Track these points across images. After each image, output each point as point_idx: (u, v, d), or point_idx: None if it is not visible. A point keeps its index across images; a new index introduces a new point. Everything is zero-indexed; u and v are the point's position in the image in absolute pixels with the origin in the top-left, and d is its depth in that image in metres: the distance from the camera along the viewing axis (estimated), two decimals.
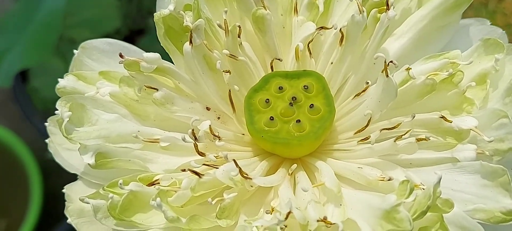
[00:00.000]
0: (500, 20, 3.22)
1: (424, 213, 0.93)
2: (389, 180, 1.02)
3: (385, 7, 1.13)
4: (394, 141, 1.05)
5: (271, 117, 1.12)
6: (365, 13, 1.12)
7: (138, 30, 3.34)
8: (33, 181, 3.03)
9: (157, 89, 1.14)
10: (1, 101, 3.77)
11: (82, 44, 1.25)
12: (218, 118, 1.20)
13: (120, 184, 1.03)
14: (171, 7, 1.13)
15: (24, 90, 3.28)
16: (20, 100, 3.23)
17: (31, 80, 3.29)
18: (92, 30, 3.57)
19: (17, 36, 3.29)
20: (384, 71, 1.05)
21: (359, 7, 1.11)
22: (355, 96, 1.17)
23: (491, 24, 1.24)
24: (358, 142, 1.11)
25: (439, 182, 0.94)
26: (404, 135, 1.05)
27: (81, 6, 3.76)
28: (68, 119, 1.07)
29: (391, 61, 1.06)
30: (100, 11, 3.84)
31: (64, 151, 1.17)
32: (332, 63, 1.19)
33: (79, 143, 1.07)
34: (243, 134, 1.19)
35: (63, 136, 1.07)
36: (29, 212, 2.97)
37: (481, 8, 3.30)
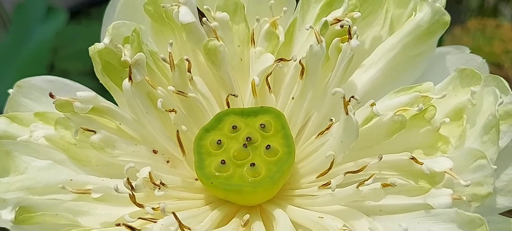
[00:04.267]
0: (498, 46, 3.12)
1: None
2: None
3: (347, 36, 1.01)
4: (357, 187, 0.93)
5: (222, 160, 1.00)
6: (323, 44, 1.00)
7: None
8: None
9: (95, 132, 1.02)
10: None
11: (18, 82, 1.14)
12: (167, 161, 1.08)
13: None
14: (107, 40, 1.02)
15: None
16: None
17: None
18: (85, 62, 3.49)
19: (4, 70, 3.23)
20: (344, 108, 0.93)
21: (316, 37, 1.00)
22: (318, 135, 1.05)
23: (470, 52, 1.13)
24: (319, 187, 0.99)
25: None
26: (367, 179, 0.92)
27: (72, 38, 3.72)
28: None
29: (352, 97, 0.94)
30: (91, 42, 3.78)
31: None
32: (293, 98, 1.07)
33: None
34: (196, 179, 1.07)
35: None
36: None
37: (478, 34, 3.20)
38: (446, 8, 1.08)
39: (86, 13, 4.31)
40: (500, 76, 2.51)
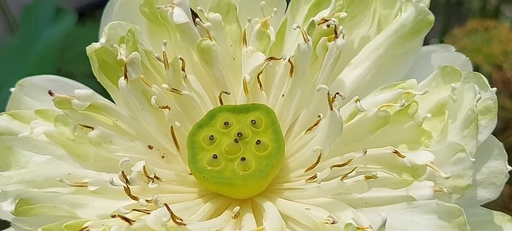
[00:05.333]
0: (496, 47, 3.15)
1: None
2: (333, 223, 0.93)
3: (334, 35, 1.05)
4: (341, 179, 0.96)
5: (214, 155, 1.04)
6: (310, 42, 1.04)
7: None
8: None
9: (92, 128, 1.07)
10: None
11: (20, 81, 1.18)
12: (162, 156, 1.12)
13: None
14: (103, 40, 1.06)
15: None
16: None
17: None
18: (90, 64, 3.53)
19: (13, 71, 3.26)
20: (329, 105, 0.97)
21: (303, 36, 1.04)
22: (307, 131, 1.08)
23: (455, 51, 1.17)
24: (306, 180, 1.03)
25: (383, 225, 0.85)
26: (351, 172, 0.96)
27: (78, 40, 3.75)
28: None
29: (337, 93, 0.98)
30: None
31: None
32: (283, 95, 1.11)
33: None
34: (190, 174, 1.11)
35: None
36: None
37: (477, 35, 3.22)
38: (447, 10, 1.11)
39: (91, 15, 4.35)
40: (500, 77, 2.53)
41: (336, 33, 1.05)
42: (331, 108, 0.96)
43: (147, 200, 0.97)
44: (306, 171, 1.05)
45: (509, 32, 3.22)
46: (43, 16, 3.34)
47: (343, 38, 1.05)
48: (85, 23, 4.13)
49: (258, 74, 1.12)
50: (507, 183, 1.00)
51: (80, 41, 3.76)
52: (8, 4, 3.66)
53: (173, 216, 0.93)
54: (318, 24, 1.07)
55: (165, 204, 0.94)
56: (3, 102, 3.18)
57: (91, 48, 1.07)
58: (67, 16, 3.35)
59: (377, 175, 0.97)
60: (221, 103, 1.14)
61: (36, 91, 1.19)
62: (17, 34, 3.50)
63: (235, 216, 1.02)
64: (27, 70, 3.09)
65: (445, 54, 1.17)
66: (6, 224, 1.10)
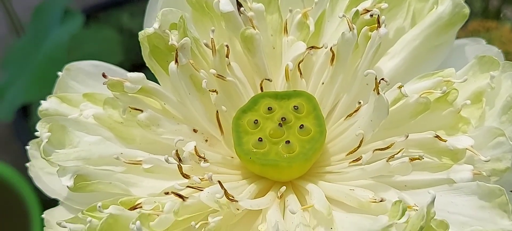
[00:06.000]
0: (497, 48, 3.18)
1: None
2: (381, 201, 0.97)
3: (376, 25, 1.09)
4: (387, 161, 1.01)
5: (259, 138, 1.08)
6: (355, 31, 1.09)
7: (140, 64, 3.32)
8: (34, 218, 2.97)
9: (142, 111, 1.11)
10: (2, 138, 3.75)
11: (67, 66, 1.22)
12: (206, 140, 1.16)
13: (99, 207, 0.98)
14: (156, 25, 1.10)
15: (26, 127, 3.26)
16: (22, 137, 3.20)
17: (33, 116, 3.27)
18: None
19: (20, 70, 3.28)
20: (375, 90, 1.01)
21: (349, 24, 1.08)
22: (347, 117, 1.13)
23: (487, 44, 1.21)
24: (349, 163, 1.07)
25: (432, 201, 0.89)
26: (397, 154, 1.01)
27: (83, 41, 3.77)
28: (47, 140, 1.03)
29: (382, 79, 1.03)
30: (102, 46, 3.85)
31: (46, 175, 1.12)
32: (323, 83, 1.16)
33: (58, 165, 1.03)
34: (232, 157, 1.15)
35: (41, 157, 1.03)
36: None
37: (478, 36, 3.27)
38: None
39: (95, 17, 4.37)
40: None
41: (378, 22, 1.09)
42: (378, 93, 1.01)
43: (200, 178, 1.01)
44: (347, 155, 1.09)
45: (510, 33, 3.27)
46: (52, 17, 3.37)
47: (385, 27, 1.09)
48: (89, 25, 4.17)
49: (299, 63, 1.16)
50: None
51: (85, 43, 3.80)
52: (13, 6, 3.69)
53: (226, 193, 0.97)
54: (361, 14, 1.12)
55: (219, 181, 0.98)
56: (14, 98, 3.21)
57: (144, 33, 1.10)
58: (75, 17, 3.39)
59: (423, 157, 1.01)
60: (262, 90, 1.18)
61: (82, 76, 1.23)
62: (26, 34, 3.53)
63: (280, 197, 1.06)
64: (35, 69, 3.12)
65: (476, 47, 1.21)
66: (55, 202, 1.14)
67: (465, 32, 3.25)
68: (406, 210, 0.91)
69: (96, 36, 3.90)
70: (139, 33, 1.11)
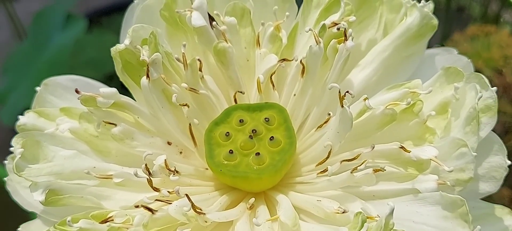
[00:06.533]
0: (496, 52, 3.20)
1: None
2: (343, 212, 0.99)
3: (344, 38, 1.11)
4: (351, 172, 1.03)
5: (230, 150, 1.10)
6: (322, 44, 1.11)
7: None
8: None
9: (115, 125, 1.13)
10: (3, 141, 3.78)
11: (45, 81, 1.25)
12: (180, 152, 1.18)
13: (69, 221, 1.01)
14: (127, 41, 1.12)
15: None
16: None
17: None
18: (96, 70, 3.60)
19: (22, 74, 3.32)
20: (340, 102, 1.03)
21: (315, 38, 1.10)
22: (318, 128, 1.15)
23: (458, 53, 1.23)
24: (317, 174, 1.09)
25: (391, 213, 0.91)
26: (360, 165, 1.03)
27: (86, 46, 3.80)
28: (20, 156, 1.06)
29: (347, 92, 1.05)
30: (104, 51, 3.87)
31: (23, 189, 1.15)
32: (295, 95, 1.18)
33: (30, 180, 1.06)
34: (206, 168, 1.17)
35: (14, 173, 1.06)
36: None
37: (477, 40, 3.28)
38: (448, 17, 1.18)
39: (97, 22, 4.41)
40: (500, 81, 2.58)
41: (345, 35, 1.11)
42: (342, 106, 1.03)
43: (168, 191, 1.04)
44: (316, 165, 1.11)
45: (509, 37, 3.27)
46: (54, 22, 3.40)
47: (352, 40, 1.11)
48: (91, 30, 4.20)
49: (271, 75, 1.19)
50: (507, 186, 1.06)
51: (87, 48, 3.83)
52: (16, 11, 3.72)
53: (193, 206, 1.00)
54: (329, 28, 1.14)
55: (186, 195, 1.00)
56: (15, 103, 3.23)
57: (116, 49, 1.13)
58: (78, 22, 3.41)
59: (385, 169, 1.03)
60: (236, 102, 1.20)
61: (60, 91, 1.25)
62: (28, 39, 3.56)
63: (250, 208, 1.08)
64: (37, 74, 3.15)
65: (447, 57, 1.23)
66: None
67: (464, 36, 3.26)
68: (365, 221, 0.93)
69: (98, 41, 3.93)
70: (111, 49, 1.13)
